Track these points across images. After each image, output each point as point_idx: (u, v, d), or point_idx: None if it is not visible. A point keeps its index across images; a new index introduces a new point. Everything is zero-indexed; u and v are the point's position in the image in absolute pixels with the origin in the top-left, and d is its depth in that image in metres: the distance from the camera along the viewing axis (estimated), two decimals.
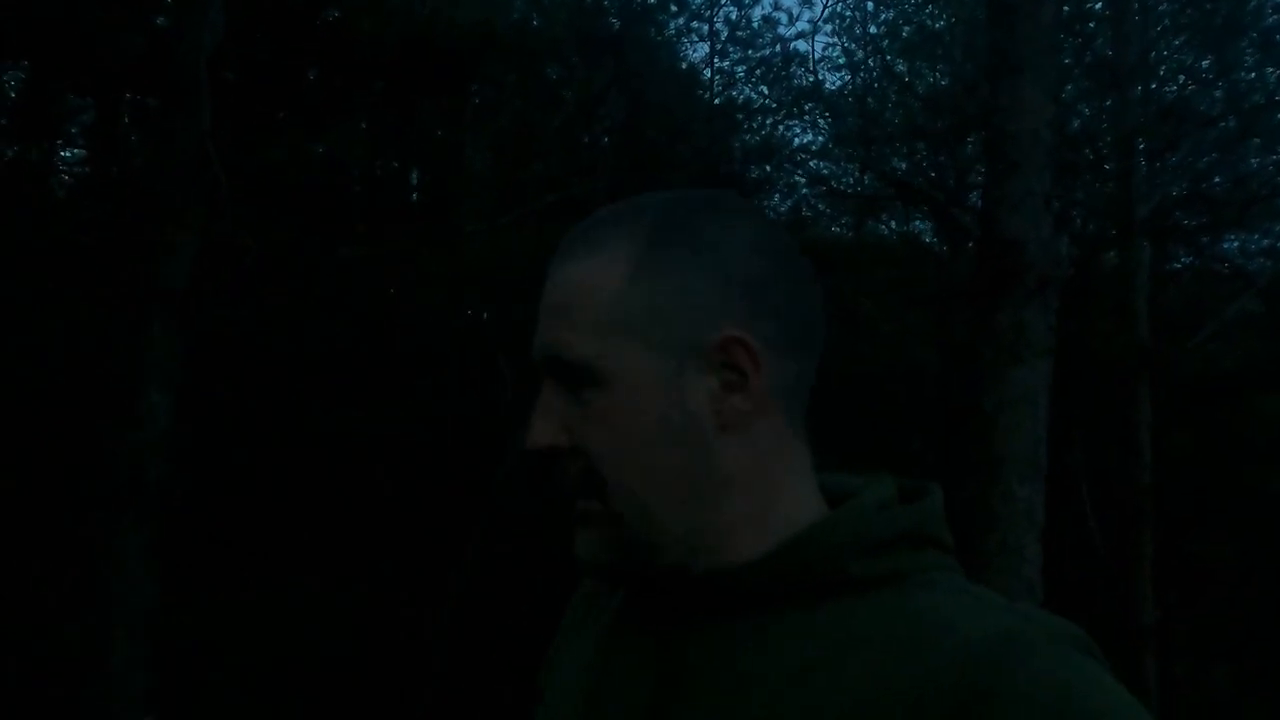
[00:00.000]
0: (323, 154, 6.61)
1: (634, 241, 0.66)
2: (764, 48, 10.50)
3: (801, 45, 17.96)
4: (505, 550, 5.62)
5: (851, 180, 10.86)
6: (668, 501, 0.64)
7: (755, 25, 10.57)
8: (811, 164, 10.70)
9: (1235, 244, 9.36)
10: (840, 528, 0.64)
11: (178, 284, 3.91)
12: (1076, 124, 8.53)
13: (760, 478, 0.66)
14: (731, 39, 10.46)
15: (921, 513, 0.66)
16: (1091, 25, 8.41)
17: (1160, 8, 8.28)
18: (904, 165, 9.45)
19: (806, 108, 10.12)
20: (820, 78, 10.40)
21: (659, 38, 10.20)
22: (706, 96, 10.63)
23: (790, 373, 0.67)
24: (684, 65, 10.85)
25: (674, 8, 10.06)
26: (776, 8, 20.23)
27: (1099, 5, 8.44)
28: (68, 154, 8.51)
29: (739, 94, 10.87)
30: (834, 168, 11.04)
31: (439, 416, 6.06)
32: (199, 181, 4.12)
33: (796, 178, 10.65)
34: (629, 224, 0.68)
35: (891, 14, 10.02)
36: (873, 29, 9.95)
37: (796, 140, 10.88)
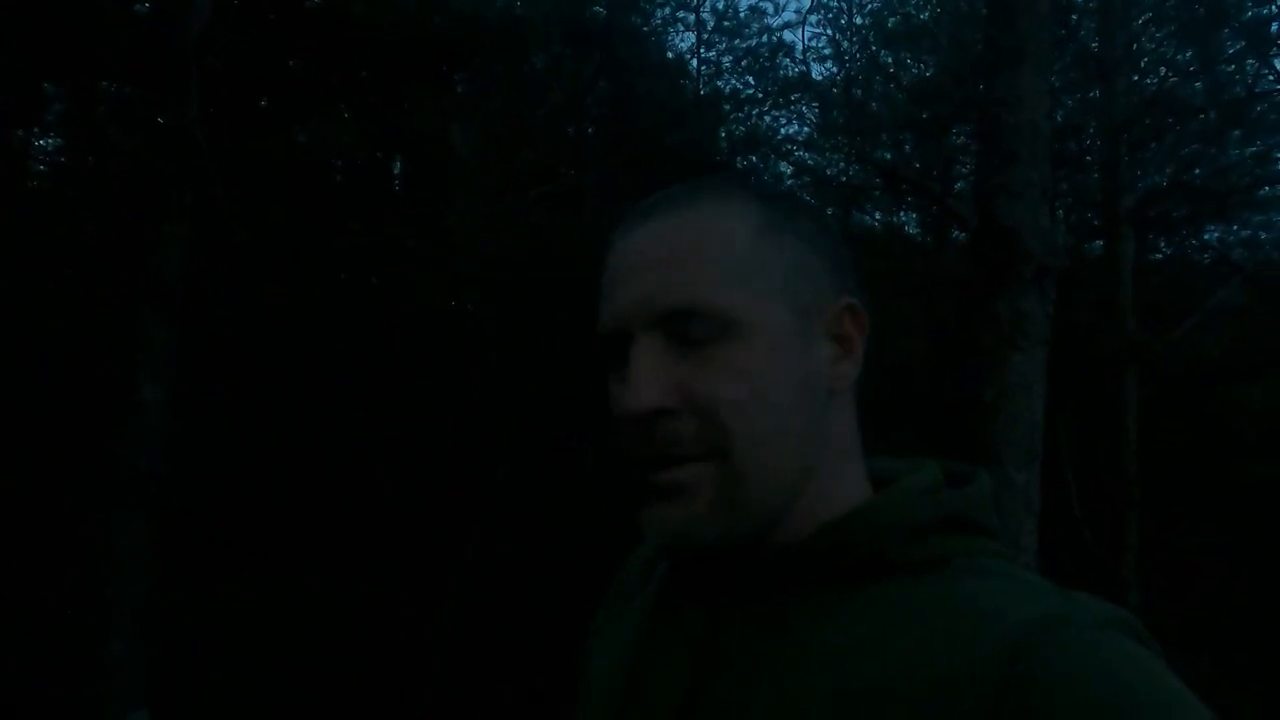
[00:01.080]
0: (306, 144, 6.53)
1: (752, 203, 0.66)
2: (751, 38, 10.51)
3: (788, 35, 17.94)
4: (505, 550, 5.60)
5: (836, 170, 10.89)
6: (788, 460, 0.63)
7: (742, 15, 10.58)
8: (798, 154, 10.73)
9: (1215, 234, 9.50)
10: (884, 511, 0.63)
11: (170, 276, 3.85)
12: (1060, 116, 8.60)
13: (844, 449, 0.67)
14: (718, 29, 10.45)
15: (966, 498, 0.65)
16: (1075, 17, 8.47)
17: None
18: (889, 155, 9.48)
19: (793, 98, 10.12)
20: (806, 68, 10.42)
21: (645, 27, 10.15)
22: (693, 87, 10.61)
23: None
24: (670, 55, 10.82)
25: None
26: None
27: None
28: (43, 142, 8.37)
29: (725, 84, 10.86)
30: (819, 158, 11.07)
31: (439, 416, 6.03)
32: (189, 172, 4.06)
33: (783, 168, 10.67)
34: (735, 188, 0.67)
35: (878, 4, 10.05)
36: (859, 19, 9.98)
37: (783, 130, 10.90)
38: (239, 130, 5.64)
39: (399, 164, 8.95)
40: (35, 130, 7.70)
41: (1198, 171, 8.28)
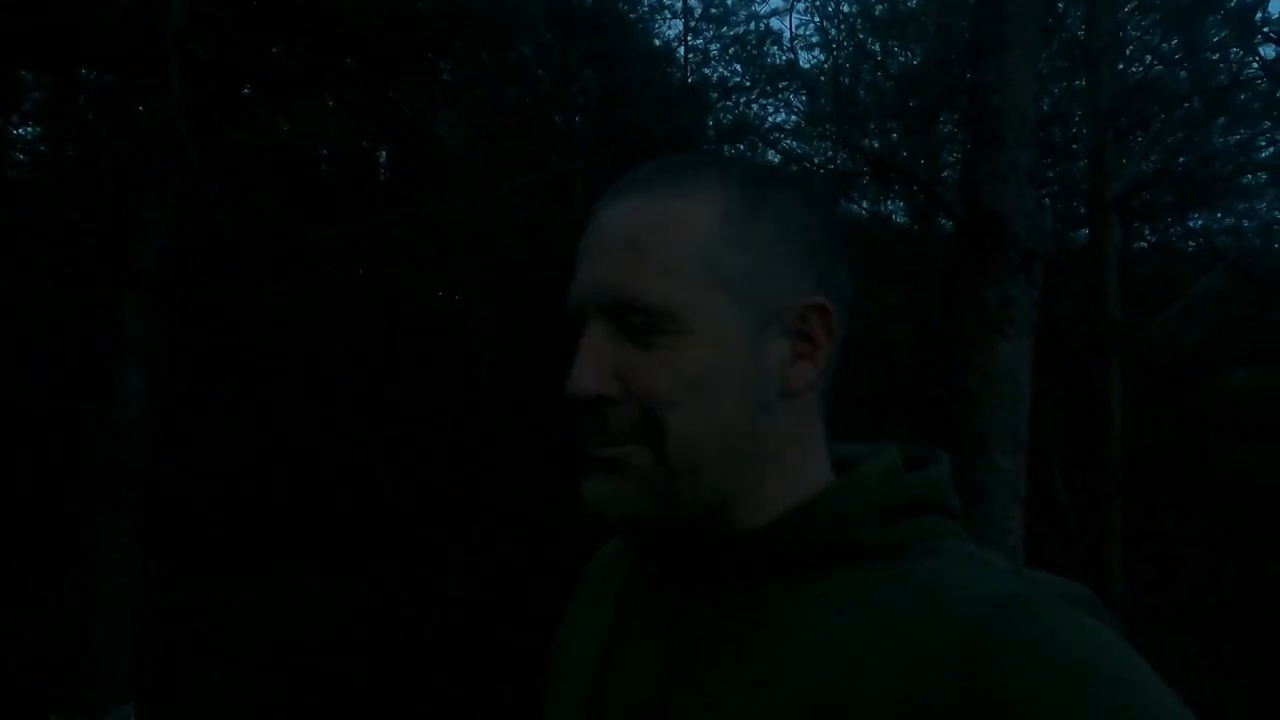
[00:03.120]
0: (291, 132, 6.46)
1: (726, 191, 0.64)
2: (738, 25, 10.47)
3: (775, 23, 17.92)
4: (505, 550, 5.60)
5: (824, 158, 10.88)
6: (721, 455, 0.63)
7: (729, 2, 10.54)
8: (785, 142, 10.71)
9: (1199, 222, 9.56)
10: (844, 495, 0.64)
11: (151, 264, 3.81)
12: (1046, 104, 8.61)
13: (797, 446, 0.66)
14: (705, 16, 10.40)
15: (928, 480, 0.66)
16: (1061, 6, 8.47)
17: None
18: (876, 143, 9.48)
19: (781, 86, 10.10)
20: (794, 55, 10.40)
21: (632, 14, 10.10)
22: (680, 75, 10.57)
23: (838, 347, 0.68)
24: (657, 43, 10.77)
25: None
26: None
27: None
28: (22, 131, 8.26)
29: (713, 72, 10.83)
30: (807, 146, 11.06)
31: (439, 416, 6.01)
32: (171, 161, 4.01)
33: (770, 156, 10.65)
34: (715, 173, 0.65)
35: None
36: (846, 7, 9.97)
37: (771, 119, 10.89)
38: (222, 119, 5.57)
39: (385, 153, 8.89)
40: (14, 119, 7.60)
41: (1182, 159, 8.32)
